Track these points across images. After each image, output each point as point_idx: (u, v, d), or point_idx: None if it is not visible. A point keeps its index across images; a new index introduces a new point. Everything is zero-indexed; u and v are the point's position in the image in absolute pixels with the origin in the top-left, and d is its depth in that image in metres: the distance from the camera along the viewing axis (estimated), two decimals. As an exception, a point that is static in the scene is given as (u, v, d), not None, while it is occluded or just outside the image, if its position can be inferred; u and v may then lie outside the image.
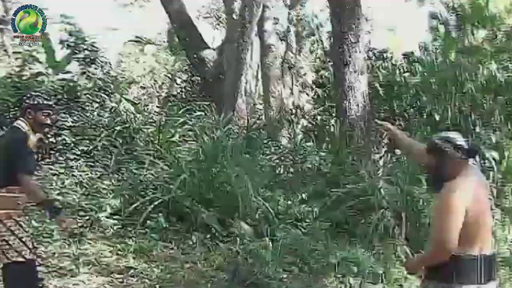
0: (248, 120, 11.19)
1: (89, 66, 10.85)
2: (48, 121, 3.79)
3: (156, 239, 5.74)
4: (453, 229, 2.91)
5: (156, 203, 6.19)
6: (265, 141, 9.72)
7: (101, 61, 11.11)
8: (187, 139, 8.68)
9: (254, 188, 6.77)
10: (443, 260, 2.94)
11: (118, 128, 8.75)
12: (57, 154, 8.58)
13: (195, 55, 10.61)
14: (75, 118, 9.22)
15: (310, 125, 11.14)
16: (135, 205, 6.27)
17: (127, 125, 8.91)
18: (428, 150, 3.25)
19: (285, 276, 5.06)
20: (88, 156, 8.54)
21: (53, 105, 3.83)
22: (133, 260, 5.25)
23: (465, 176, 3.04)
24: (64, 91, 9.66)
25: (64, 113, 9.11)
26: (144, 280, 4.88)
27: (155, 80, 17.32)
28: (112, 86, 10.90)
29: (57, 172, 7.90)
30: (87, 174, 7.98)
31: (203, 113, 9.72)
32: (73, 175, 7.90)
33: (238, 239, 5.85)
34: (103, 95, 10.56)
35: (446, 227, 2.91)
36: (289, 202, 6.99)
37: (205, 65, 10.59)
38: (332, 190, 7.27)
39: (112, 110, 9.71)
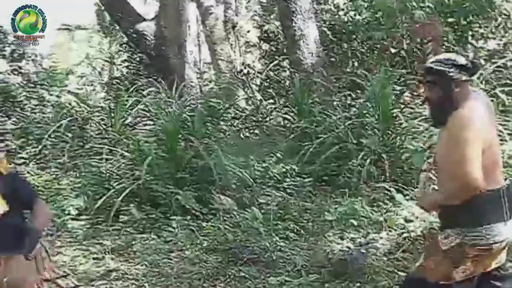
0: (201, 88, 10.49)
1: (19, 61, 9.81)
2: None
3: (133, 233, 5.11)
4: (477, 160, 2.46)
5: (124, 194, 5.52)
6: (222, 107, 9.09)
7: (32, 54, 10.08)
8: (142, 120, 7.94)
9: (225, 157, 6.21)
10: (469, 197, 2.50)
11: (64, 122, 7.90)
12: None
13: (131, 30, 9.70)
14: (15, 120, 8.30)
15: (265, 83, 10.53)
16: (101, 200, 5.58)
17: (73, 117, 8.08)
18: (425, 79, 2.74)
19: (282, 244, 4.55)
20: (37, 158, 7.69)
21: None
22: (112, 261, 4.61)
23: (472, 101, 2.58)
24: (-4, 93, 8.67)
25: (2, 116, 8.16)
26: (130, 281, 4.27)
27: (93, 67, 16.15)
28: (48, 80, 9.94)
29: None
30: (40, 177, 7.17)
31: (153, 89, 8.95)
32: (25, 181, 7.06)
33: (221, 214, 5.30)
34: (40, 90, 9.62)
35: (469, 160, 2.45)
36: (264, 165, 6.45)
37: (144, 39, 9.72)
38: (305, 144, 6.79)
39: (54, 105, 8.80)
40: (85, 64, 16.37)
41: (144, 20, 9.72)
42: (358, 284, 3.86)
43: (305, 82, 8.21)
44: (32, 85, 9.34)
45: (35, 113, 8.82)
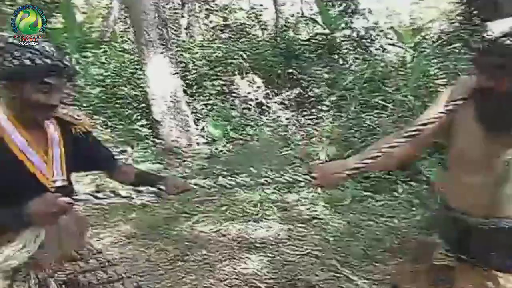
0: None
1: (351, 17, 10.33)
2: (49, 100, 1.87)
3: (358, 189, 4.94)
4: None
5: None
6: None
7: (364, 9, 10.43)
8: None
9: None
10: None
11: (367, 73, 8.00)
12: (310, 106, 8.52)
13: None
14: (330, 68, 8.93)
15: None
16: (348, 152, 5.57)
17: (374, 69, 8.06)
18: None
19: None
20: (337, 106, 8.13)
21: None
22: (323, 208, 4.64)
23: None
24: (323, 44, 9.47)
25: (320, 65, 8.92)
26: (322, 230, 4.24)
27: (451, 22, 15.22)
28: (373, 34, 10.08)
29: (302, 124, 7.84)
30: (333, 124, 7.59)
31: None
32: (317, 127, 7.66)
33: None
34: (366, 44, 9.93)
35: None
36: None
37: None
38: None
39: (367, 58, 8.95)
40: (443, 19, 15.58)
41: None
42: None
43: None
44: (357, 39, 9.72)
45: (352, 65, 9.21)
